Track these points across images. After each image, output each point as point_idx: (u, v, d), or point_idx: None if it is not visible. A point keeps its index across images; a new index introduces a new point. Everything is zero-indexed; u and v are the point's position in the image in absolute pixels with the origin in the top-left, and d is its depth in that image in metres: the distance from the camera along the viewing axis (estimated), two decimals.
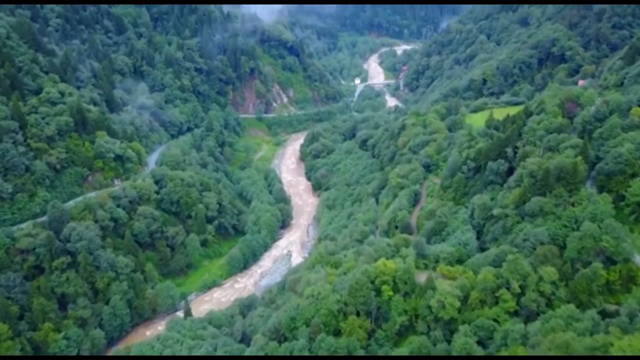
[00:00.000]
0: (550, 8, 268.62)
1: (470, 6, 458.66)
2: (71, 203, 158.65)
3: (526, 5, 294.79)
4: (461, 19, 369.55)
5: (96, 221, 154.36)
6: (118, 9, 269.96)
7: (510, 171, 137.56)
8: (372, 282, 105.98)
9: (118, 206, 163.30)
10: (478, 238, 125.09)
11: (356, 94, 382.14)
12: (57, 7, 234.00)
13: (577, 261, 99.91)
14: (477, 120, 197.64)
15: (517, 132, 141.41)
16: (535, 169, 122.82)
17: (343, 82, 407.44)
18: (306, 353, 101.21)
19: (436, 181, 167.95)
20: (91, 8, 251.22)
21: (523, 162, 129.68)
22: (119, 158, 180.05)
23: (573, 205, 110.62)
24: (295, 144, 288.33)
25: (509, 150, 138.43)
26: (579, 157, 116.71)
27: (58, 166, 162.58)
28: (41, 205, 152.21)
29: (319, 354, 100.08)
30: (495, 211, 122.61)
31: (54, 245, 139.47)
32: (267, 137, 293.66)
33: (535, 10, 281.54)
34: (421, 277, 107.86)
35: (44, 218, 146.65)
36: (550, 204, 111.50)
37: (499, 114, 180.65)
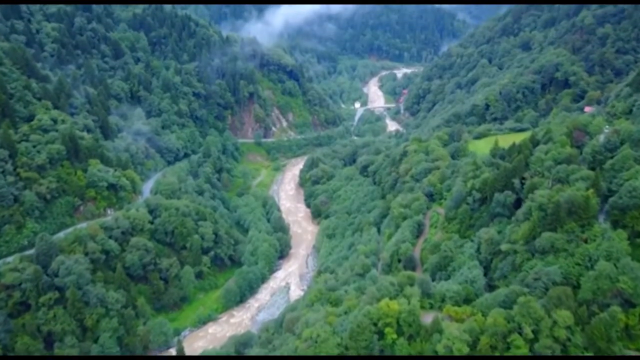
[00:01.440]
0: (553, 32, 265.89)
1: (470, 30, 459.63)
2: (61, 235, 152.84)
3: (528, 29, 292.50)
4: (462, 43, 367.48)
5: (86, 254, 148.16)
6: (116, 34, 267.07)
7: (518, 203, 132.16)
8: (375, 324, 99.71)
9: (110, 237, 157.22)
10: (485, 274, 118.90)
11: (356, 118, 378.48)
12: (53, 32, 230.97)
13: (593, 303, 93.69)
14: (481, 147, 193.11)
15: (524, 162, 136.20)
16: (544, 202, 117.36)
17: (343, 105, 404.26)
18: None
19: (440, 211, 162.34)
20: (88, 32, 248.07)
21: (531, 194, 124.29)
22: (112, 187, 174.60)
23: (586, 241, 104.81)
24: (294, 169, 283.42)
25: (516, 181, 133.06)
26: (591, 190, 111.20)
27: (48, 196, 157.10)
28: (29, 237, 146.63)
29: None
30: (504, 246, 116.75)
31: (41, 281, 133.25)
32: (266, 162, 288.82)
33: (537, 34, 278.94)
34: (427, 318, 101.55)
35: (32, 251, 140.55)
36: (562, 240, 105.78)
37: (504, 141, 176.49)
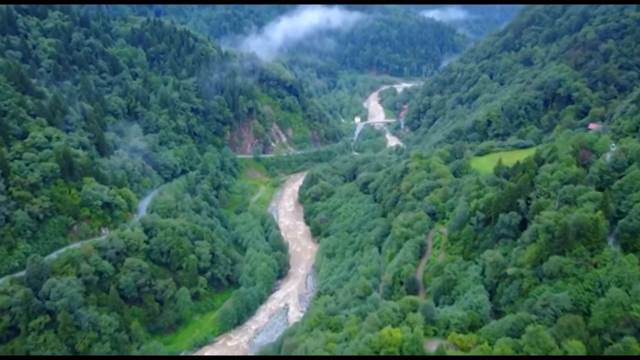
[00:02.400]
0: (554, 48, 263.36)
1: (471, 44, 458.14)
2: (53, 256, 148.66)
3: (529, 45, 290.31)
4: (462, 58, 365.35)
5: (79, 275, 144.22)
6: (114, 49, 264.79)
7: (524, 224, 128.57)
8: (377, 353, 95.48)
9: (104, 258, 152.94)
10: (491, 299, 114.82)
11: (356, 133, 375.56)
12: (50, 48, 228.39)
13: (605, 332, 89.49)
14: (484, 165, 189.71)
15: (530, 182, 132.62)
16: (551, 224, 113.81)
17: (343, 120, 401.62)
18: None
19: (442, 231, 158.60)
20: (86, 48, 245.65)
21: (537, 215, 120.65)
22: (107, 205, 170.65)
23: (596, 266, 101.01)
24: (293, 185, 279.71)
25: (522, 201, 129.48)
26: (600, 212, 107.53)
27: (41, 215, 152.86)
28: (21, 258, 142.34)
29: None
30: (510, 270, 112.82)
31: (31, 304, 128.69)
32: (265, 178, 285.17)
33: (539, 49, 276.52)
34: (431, 346, 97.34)
35: (23, 273, 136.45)
36: (571, 265, 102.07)
37: (507, 158, 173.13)
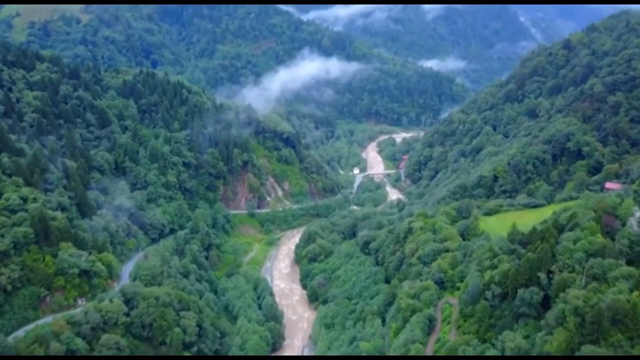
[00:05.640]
0: (560, 100, 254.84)
1: (471, 95, 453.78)
2: (20, 333, 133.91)
3: (532, 96, 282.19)
4: (463, 109, 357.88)
5: (48, 356, 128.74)
6: (103, 101, 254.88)
7: (546, 301, 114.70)
8: None
9: (78, 334, 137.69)
10: None
11: (355, 185, 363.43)
12: (35, 101, 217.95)
13: None
14: (493, 226, 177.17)
15: (550, 253, 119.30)
16: (580, 305, 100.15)
17: (341, 172, 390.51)
18: None
19: (453, 302, 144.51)
20: (73, 101, 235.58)
21: (562, 293, 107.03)
22: (84, 273, 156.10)
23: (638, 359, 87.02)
24: (289, 242, 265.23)
25: (542, 275, 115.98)
26: (636, 294, 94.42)
27: (9, 287, 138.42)
28: None
29: None
30: None
31: None
32: (259, 235, 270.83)
33: (543, 101, 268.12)
34: None
35: None
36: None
37: (518, 219, 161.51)
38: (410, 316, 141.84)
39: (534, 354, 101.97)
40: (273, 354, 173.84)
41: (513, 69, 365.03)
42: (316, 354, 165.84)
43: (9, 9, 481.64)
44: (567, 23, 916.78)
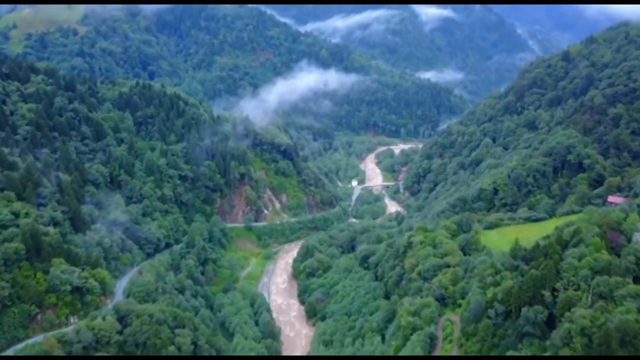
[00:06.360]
0: (560, 112, 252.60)
1: (469, 106, 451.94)
2: (10, 352, 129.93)
3: (532, 108, 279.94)
4: (462, 120, 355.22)
5: None
6: (99, 114, 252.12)
7: (551, 319, 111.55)
8: None
9: (69, 354, 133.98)
10: None
11: (354, 198, 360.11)
12: (29, 114, 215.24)
13: None
14: (494, 241, 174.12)
15: (554, 270, 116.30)
16: (587, 325, 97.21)
17: (340, 184, 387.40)
18: None
19: (454, 319, 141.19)
20: (68, 113, 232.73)
21: (568, 312, 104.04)
22: (77, 290, 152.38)
23: None
24: (287, 256, 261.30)
25: (547, 293, 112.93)
26: None
27: None
28: None
29: None
30: None
31: None
32: (256, 249, 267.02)
33: (543, 113, 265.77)
34: None
35: None
36: None
37: (520, 233, 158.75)
38: (411, 334, 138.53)
39: None
40: None
41: (511, 81, 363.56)
42: None
43: (6, 20, 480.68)
44: (563, 35, 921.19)
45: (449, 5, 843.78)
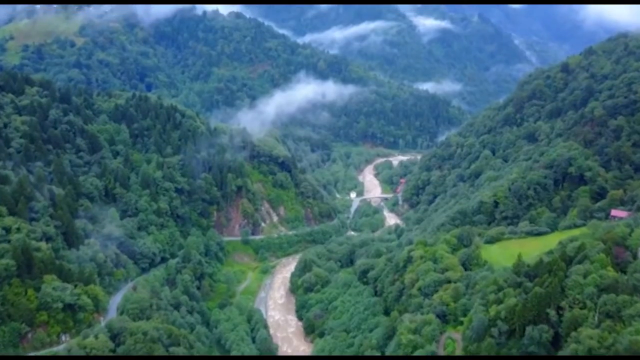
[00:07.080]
0: (560, 124, 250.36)
1: (468, 117, 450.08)
2: None
3: (532, 120, 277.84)
4: (461, 132, 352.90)
5: None
6: (94, 126, 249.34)
7: (556, 339, 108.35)
8: None
9: None
10: None
11: (352, 210, 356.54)
12: (23, 126, 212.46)
13: None
14: (496, 255, 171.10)
15: (559, 287, 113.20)
16: (595, 347, 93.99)
17: (338, 195, 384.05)
18: None
19: (456, 337, 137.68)
20: (63, 125, 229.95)
21: (574, 332, 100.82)
22: (69, 307, 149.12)
23: None
24: (285, 270, 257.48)
25: (552, 311, 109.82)
26: None
27: None
28: None
29: None
30: None
31: None
32: (253, 262, 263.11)
33: (543, 125, 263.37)
34: None
35: None
36: None
37: (521, 247, 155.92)
38: (412, 352, 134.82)
39: None
40: None
41: (510, 92, 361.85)
42: None
43: (3, 32, 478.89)
44: (561, 46, 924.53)
45: (446, 17, 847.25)
